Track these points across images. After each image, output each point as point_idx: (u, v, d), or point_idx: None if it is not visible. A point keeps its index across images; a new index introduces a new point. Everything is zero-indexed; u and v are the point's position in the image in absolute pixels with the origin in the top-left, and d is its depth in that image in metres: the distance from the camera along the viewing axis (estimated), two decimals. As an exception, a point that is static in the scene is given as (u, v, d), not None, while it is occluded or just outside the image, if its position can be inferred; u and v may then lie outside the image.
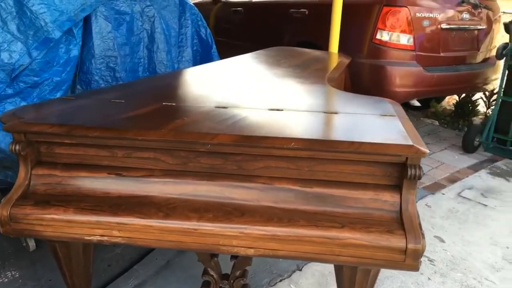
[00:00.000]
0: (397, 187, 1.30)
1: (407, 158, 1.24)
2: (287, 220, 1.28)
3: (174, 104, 1.61)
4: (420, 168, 1.24)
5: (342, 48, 3.68)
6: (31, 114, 1.47)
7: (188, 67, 3.08)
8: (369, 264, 1.25)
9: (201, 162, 1.37)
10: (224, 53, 3.33)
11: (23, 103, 2.37)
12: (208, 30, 3.32)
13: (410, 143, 1.24)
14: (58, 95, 2.50)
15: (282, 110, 1.57)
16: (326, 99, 1.83)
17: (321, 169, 1.32)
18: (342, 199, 1.31)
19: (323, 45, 3.77)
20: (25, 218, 1.34)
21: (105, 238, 1.33)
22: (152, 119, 1.46)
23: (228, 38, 5.58)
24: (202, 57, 3.36)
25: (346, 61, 2.95)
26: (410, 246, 1.20)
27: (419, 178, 1.24)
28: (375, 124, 1.45)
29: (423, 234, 1.22)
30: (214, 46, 3.36)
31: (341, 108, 1.64)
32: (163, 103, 1.61)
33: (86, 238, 1.34)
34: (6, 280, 2.08)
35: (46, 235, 1.35)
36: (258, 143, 1.27)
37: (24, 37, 2.23)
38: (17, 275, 2.10)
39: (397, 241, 1.21)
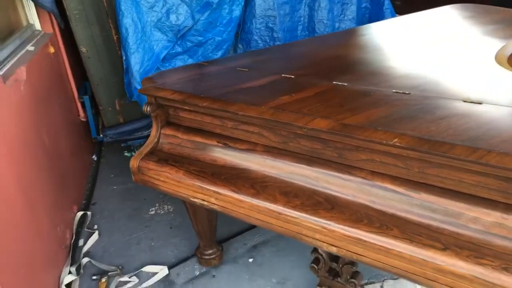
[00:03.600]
0: (537, 214, 0.97)
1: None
2: (379, 225, 1.11)
3: (292, 76, 1.54)
4: None
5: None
6: (164, 79, 1.62)
7: (350, 26, 2.87)
8: (471, 302, 1.00)
9: (301, 144, 1.29)
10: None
11: (190, 60, 2.64)
12: (381, -17, 2.98)
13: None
14: (220, 53, 2.68)
15: (480, 103, 1.23)
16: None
17: (434, 172, 1.08)
18: (456, 214, 1.06)
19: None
20: (148, 171, 1.53)
21: (205, 203, 1.41)
22: (262, 93, 1.43)
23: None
24: (371, 15, 3.08)
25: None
26: (532, 295, 0.91)
27: None
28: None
29: (557, 286, 0.90)
30: (387, 1, 3.00)
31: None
32: (282, 75, 1.55)
33: (191, 199, 1.45)
34: (163, 212, 2.47)
35: (162, 190, 1.52)
36: (355, 134, 1.12)
37: (189, 0, 2.43)
38: (171, 210, 2.48)
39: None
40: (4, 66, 1.83)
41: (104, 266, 2.08)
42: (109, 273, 2.03)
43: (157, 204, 2.53)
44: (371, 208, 1.16)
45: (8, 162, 1.59)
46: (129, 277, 1.99)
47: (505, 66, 1.52)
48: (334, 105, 1.28)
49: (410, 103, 1.26)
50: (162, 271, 2.02)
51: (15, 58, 1.96)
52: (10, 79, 1.75)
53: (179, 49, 2.59)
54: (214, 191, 1.37)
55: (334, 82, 1.45)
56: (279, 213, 1.24)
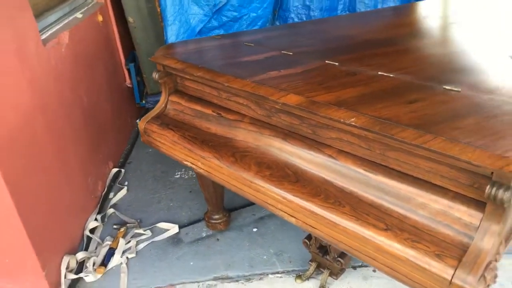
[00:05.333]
0: (484, 206, 0.95)
1: (492, 172, 0.88)
2: (333, 201, 1.15)
3: (291, 53, 1.57)
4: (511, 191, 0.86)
5: None
6: (177, 49, 1.73)
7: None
8: (403, 281, 1.01)
9: (281, 118, 1.34)
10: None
11: (226, 35, 2.73)
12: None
13: (499, 152, 0.87)
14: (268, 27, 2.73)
15: (459, 91, 1.18)
16: None
17: (393, 156, 1.09)
18: (407, 198, 1.06)
19: None
20: (152, 133, 1.67)
21: (194, 166, 1.53)
22: (255, 67, 1.49)
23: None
24: (420, -3, 2.93)
25: None
26: (457, 281, 0.90)
27: (507, 205, 0.87)
28: None
29: (484, 278, 0.89)
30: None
31: None
32: (282, 52, 1.59)
33: (183, 162, 1.57)
34: (186, 177, 2.64)
35: (162, 151, 1.66)
36: (319, 111, 1.15)
37: (225, -24, 2.51)
38: (193, 176, 2.64)
39: (440, 269, 0.93)
40: (48, 30, 2.05)
41: (125, 218, 2.30)
42: (128, 225, 2.24)
43: (182, 169, 2.71)
44: (332, 185, 1.19)
45: (40, 113, 1.82)
46: (144, 230, 2.19)
47: None
48: (314, 82, 1.31)
49: (388, 84, 1.25)
50: (173, 229, 2.19)
51: (61, 24, 2.19)
52: (50, 42, 1.97)
53: (215, 23, 2.69)
54: (201, 156, 1.47)
55: (327, 61, 1.46)
56: (251, 182, 1.32)
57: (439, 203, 1.01)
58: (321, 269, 1.76)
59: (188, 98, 1.66)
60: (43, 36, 1.99)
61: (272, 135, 1.36)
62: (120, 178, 2.67)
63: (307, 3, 2.72)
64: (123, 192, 2.52)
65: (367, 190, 1.13)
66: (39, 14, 2.07)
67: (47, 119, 1.88)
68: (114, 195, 2.50)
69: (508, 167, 0.84)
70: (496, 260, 0.93)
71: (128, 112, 3.17)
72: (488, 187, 0.88)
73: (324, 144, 1.24)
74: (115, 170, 2.69)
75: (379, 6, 2.83)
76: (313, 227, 1.17)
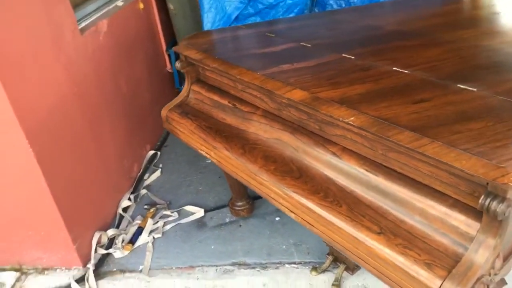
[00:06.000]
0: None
1: (488, 182, 0.83)
2: (331, 200, 1.13)
3: (309, 45, 1.54)
4: (506, 203, 0.81)
5: None
6: (199, 39, 1.76)
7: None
8: (391, 286, 0.99)
9: (291, 113, 1.33)
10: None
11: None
12: None
13: (493, 161, 0.81)
14: (291, 16, 2.70)
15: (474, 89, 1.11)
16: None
17: (394, 157, 1.05)
18: (403, 202, 1.03)
19: None
20: (172, 121, 1.72)
21: (207, 155, 1.56)
22: (270, 59, 1.48)
23: None
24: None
25: None
26: (442, 295, 0.87)
27: (502, 218, 0.82)
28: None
29: (473, 292, 0.85)
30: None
31: None
32: (301, 43, 1.56)
33: (199, 151, 1.61)
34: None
35: (181, 139, 1.71)
36: (320, 108, 1.13)
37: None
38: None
39: (428, 279, 0.89)
40: (87, 19, 2.16)
41: (156, 199, 2.41)
42: (158, 206, 2.35)
43: (215, 155, 2.77)
44: (333, 183, 1.18)
45: (77, 98, 1.93)
46: (171, 212, 2.29)
47: None
48: (323, 77, 1.28)
49: (399, 81, 1.20)
50: (199, 212, 2.27)
51: (101, 12, 2.30)
52: (88, 30, 2.08)
53: (251, 10, 2.68)
54: (213, 146, 1.50)
55: (343, 55, 1.42)
56: (255, 174, 1.33)
57: (437, 209, 0.97)
58: (338, 263, 1.74)
59: (208, 88, 1.68)
60: (82, 25, 2.10)
61: (281, 129, 1.35)
62: (156, 160, 2.78)
63: (347, -11, 2.63)
64: (157, 174, 2.64)
65: (366, 190, 1.10)
66: (79, 4, 2.18)
67: (83, 103, 2.00)
68: (149, 177, 2.62)
69: (502, 178, 0.79)
70: (489, 275, 0.88)
71: (168, 96, 3.25)
72: (482, 197, 0.83)
73: (329, 141, 1.22)
74: (151, 152, 2.81)
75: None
76: (310, 224, 1.17)
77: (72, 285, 1.89)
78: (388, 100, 1.11)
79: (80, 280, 1.92)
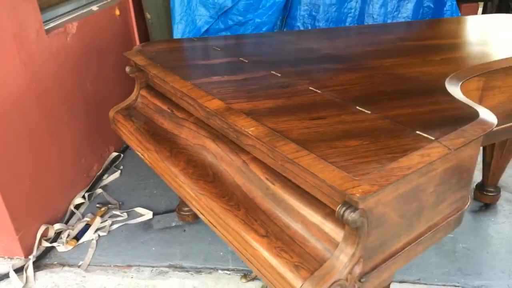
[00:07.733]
0: (349, 226, 0.98)
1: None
2: (233, 204, 1.21)
3: (246, 61, 1.64)
4: (358, 213, 0.89)
5: None
6: (151, 47, 1.85)
7: (400, 25, 2.72)
8: (270, 285, 1.06)
9: (216, 122, 1.42)
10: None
11: (232, 38, 2.83)
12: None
13: (351, 174, 0.89)
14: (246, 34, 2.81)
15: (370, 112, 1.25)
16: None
17: (290, 167, 1.13)
18: (291, 210, 1.11)
19: None
20: (117, 122, 1.81)
21: (142, 157, 1.64)
22: (206, 70, 1.57)
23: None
24: (434, 15, 2.86)
25: None
26: (301, 294, 0.94)
27: (354, 226, 0.90)
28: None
29: (328, 293, 0.92)
30: (450, 1, 2.75)
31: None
32: (239, 58, 1.66)
33: (135, 151, 1.69)
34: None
35: (124, 139, 1.79)
36: (228, 118, 1.21)
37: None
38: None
39: (292, 279, 0.97)
40: (56, 20, 2.27)
41: (109, 199, 2.48)
42: (110, 205, 2.41)
43: (175, 161, 2.84)
44: (240, 189, 1.26)
45: (34, 94, 2.02)
46: (121, 213, 2.35)
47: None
48: (244, 90, 1.37)
49: (308, 100, 1.29)
50: (147, 215, 2.33)
51: (72, 15, 2.40)
52: (55, 31, 2.18)
53: (221, 26, 2.80)
54: (147, 148, 1.59)
55: (272, 72, 1.52)
56: (176, 176, 1.41)
57: (315, 218, 1.05)
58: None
59: (154, 93, 1.77)
60: (51, 25, 2.20)
61: (206, 136, 1.44)
62: (118, 162, 2.86)
63: (313, 13, 2.75)
64: (116, 175, 2.71)
65: (265, 197, 1.18)
66: (53, 5, 2.29)
67: (41, 98, 2.08)
68: (108, 177, 2.69)
69: (352, 189, 0.87)
70: (347, 280, 0.95)
71: (140, 102, 3.36)
72: (339, 206, 0.91)
73: (243, 150, 1.30)
74: (114, 154, 2.89)
75: (388, 21, 2.80)
76: (213, 225, 1.24)
77: (10, 274, 1.94)
78: (290, 115, 1.20)
79: (19, 270, 1.97)
